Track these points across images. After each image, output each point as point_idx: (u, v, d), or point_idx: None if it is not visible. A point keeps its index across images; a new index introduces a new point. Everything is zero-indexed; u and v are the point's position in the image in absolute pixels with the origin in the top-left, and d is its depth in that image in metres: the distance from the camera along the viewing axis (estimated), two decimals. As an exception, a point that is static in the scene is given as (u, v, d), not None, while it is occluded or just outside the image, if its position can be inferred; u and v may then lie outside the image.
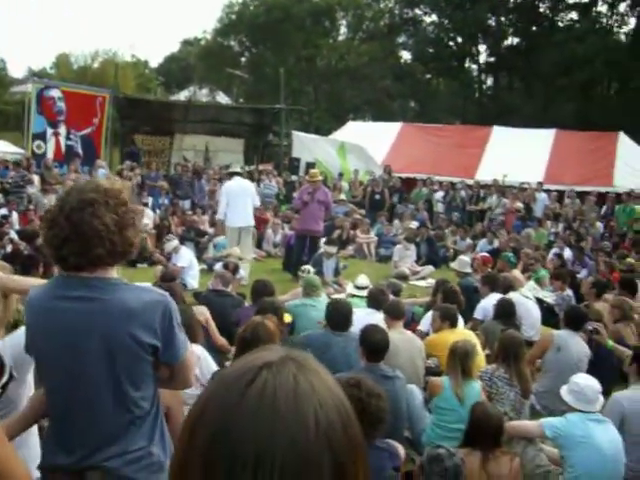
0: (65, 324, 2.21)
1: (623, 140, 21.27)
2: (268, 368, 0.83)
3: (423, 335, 6.76)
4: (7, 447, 1.19)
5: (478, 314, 7.64)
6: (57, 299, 2.23)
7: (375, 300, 6.79)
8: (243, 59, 45.38)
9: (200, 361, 4.89)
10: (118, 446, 2.26)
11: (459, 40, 40.55)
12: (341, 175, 20.07)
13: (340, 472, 0.79)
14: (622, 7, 35.93)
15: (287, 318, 6.11)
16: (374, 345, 4.77)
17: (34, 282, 2.69)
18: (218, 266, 9.94)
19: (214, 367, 5.00)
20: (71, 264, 2.21)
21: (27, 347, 2.38)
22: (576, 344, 6.19)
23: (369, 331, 4.88)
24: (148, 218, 14.43)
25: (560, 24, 37.59)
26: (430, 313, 6.92)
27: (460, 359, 4.89)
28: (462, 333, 6.13)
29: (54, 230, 2.19)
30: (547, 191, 18.50)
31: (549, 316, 8.51)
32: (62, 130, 19.75)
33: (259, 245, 14.55)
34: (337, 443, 0.80)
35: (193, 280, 10.79)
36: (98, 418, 2.25)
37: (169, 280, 6.92)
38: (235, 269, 9.45)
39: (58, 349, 2.22)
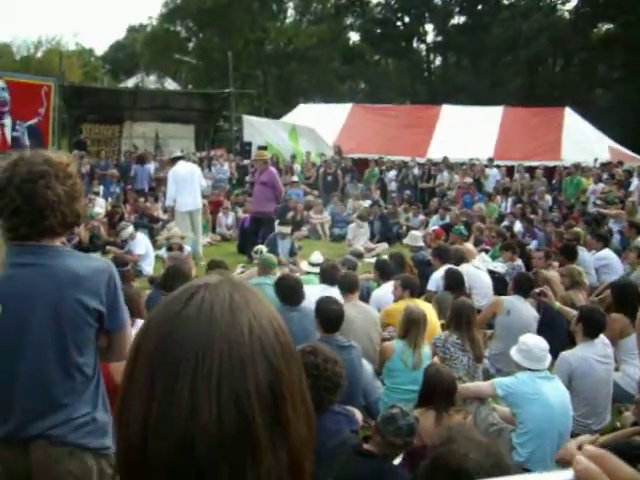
0: (11, 290, 2.23)
1: (569, 115, 21.72)
2: (206, 287, 0.90)
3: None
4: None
5: (431, 286, 7.77)
6: (6, 266, 2.25)
7: (328, 275, 6.87)
8: (190, 44, 44.82)
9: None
10: (62, 413, 2.28)
11: (406, 20, 40.73)
12: (293, 157, 20.10)
13: (275, 374, 0.85)
14: (564, -17, 36.45)
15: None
16: (329, 316, 4.85)
17: None
18: (162, 251, 9.91)
19: None
20: (20, 234, 2.23)
21: None
22: (525, 308, 6.40)
23: (324, 302, 4.96)
24: (100, 207, 14.28)
25: (505, 1, 38.01)
26: (377, 291, 7.13)
27: (410, 323, 5.01)
28: (420, 302, 6.24)
29: (4, 200, 2.20)
30: (497, 167, 18.80)
31: (501, 286, 8.68)
32: (7, 121, 19.28)
33: (213, 229, 14.52)
34: (270, 348, 0.86)
35: (149, 267, 10.74)
36: (43, 385, 2.26)
37: (121, 265, 6.88)
38: (180, 249, 9.45)
39: (9, 314, 2.22)
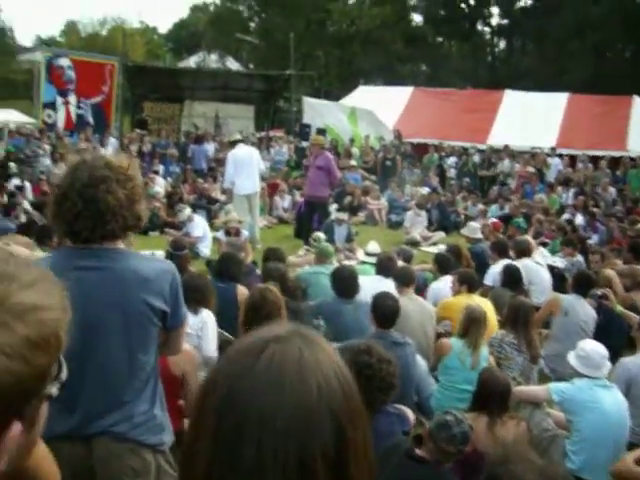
0: (79, 293, 2.24)
1: (637, 104, 21.06)
2: (276, 341, 0.90)
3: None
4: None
5: (488, 280, 7.66)
6: (69, 270, 2.24)
7: (384, 267, 6.83)
8: (252, 24, 44.97)
9: (205, 327, 4.94)
10: (125, 410, 2.33)
11: (471, 2, 40.02)
12: (352, 141, 19.98)
13: (341, 435, 0.85)
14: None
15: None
16: (385, 312, 4.83)
17: None
18: (220, 234, 9.98)
19: (214, 337, 5.00)
20: (82, 238, 2.27)
21: None
22: (583, 308, 6.25)
23: (380, 298, 4.93)
24: (159, 186, 14.49)
25: (575, -17, 36.91)
26: (435, 284, 7.05)
27: (471, 323, 4.95)
28: (478, 299, 6.15)
29: (66, 205, 2.23)
30: (560, 156, 18.40)
31: (559, 282, 8.52)
32: (72, 99, 19.70)
33: (270, 212, 14.59)
34: (338, 409, 0.86)
35: (206, 249, 10.85)
36: (109, 383, 2.32)
37: (179, 249, 6.98)
38: (237, 233, 9.51)
39: (75, 318, 2.26)
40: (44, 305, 0.90)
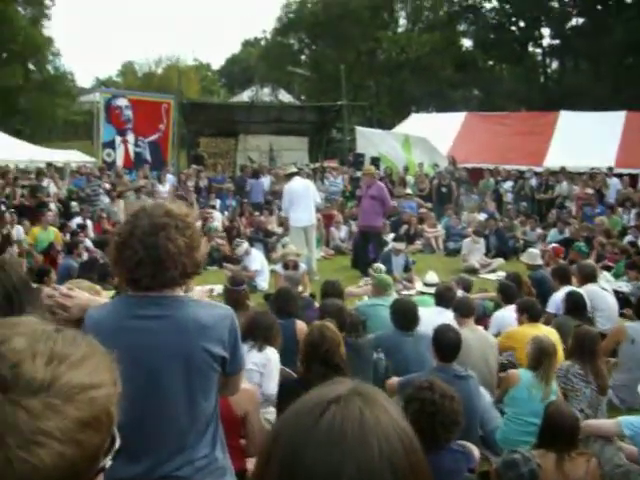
0: (141, 342, 2.27)
1: (698, 118, 20.54)
2: (337, 402, 0.91)
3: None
4: None
5: (550, 308, 7.51)
6: (129, 318, 2.29)
7: (443, 298, 6.76)
8: (303, 57, 45.56)
9: (269, 364, 4.96)
10: (187, 454, 2.34)
11: (521, 24, 39.79)
12: (406, 169, 19.96)
13: None
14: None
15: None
16: (446, 345, 4.77)
17: None
18: (278, 267, 10.03)
19: (276, 375, 5.00)
20: (143, 285, 2.29)
21: None
22: (651, 336, 6.06)
23: (441, 331, 4.87)
24: (217, 221, 14.71)
25: (628, 0, 36.33)
26: (499, 312, 6.93)
27: (541, 354, 4.84)
28: (545, 329, 6.01)
29: (127, 252, 2.26)
30: (619, 175, 18.00)
31: (625, 307, 8.29)
32: (130, 137, 20.26)
33: (327, 243, 14.63)
34: (400, 468, 0.87)
35: (264, 282, 10.93)
36: (171, 429, 2.32)
37: (237, 285, 7.03)
38: (295, 266, 9.56)
39: (134, 367, 2.17)
40: (94, 383, 0.90)
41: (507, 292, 7.20)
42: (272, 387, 4.85)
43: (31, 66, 36.89)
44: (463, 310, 6.09)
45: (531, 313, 6.12)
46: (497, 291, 7.50)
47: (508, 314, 6.66)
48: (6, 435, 0.80)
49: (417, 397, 3.50)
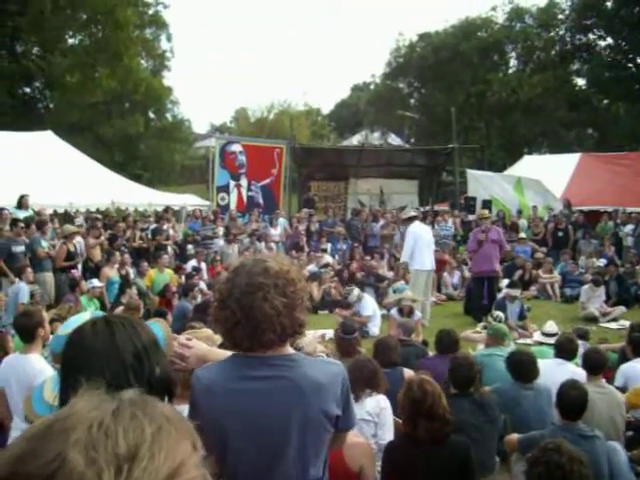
0: (253, 404, 2.22)
1: None
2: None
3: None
4: None
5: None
6: (241, 379, 2.23)
7: (564, 350, 6.48)
8: (412, 100, 45.70)
9: (383, 413, 4.88)
10: None
11: (638, 61, 38.50)
12: (520, 212, 19.53)
13: None
14: None
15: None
16: (571, 403, 4.56)
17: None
18: (393, 311, 9.96)
19: (391, 424, 4.92)
20: (243, 346, 2.24)
21: (202, 428, 2.38)
22: None
23: (565, 388, 4.66)
24: (328, 264, 14.83)
25: None
26: (628, 365, 6.54)
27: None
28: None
29: (225, 312, 2.22)
30: None
31: None
32: (244, 182, 20.83)
33: (438, 288, 14.45)
34: None
35: (375, 328, 10.89)
36: None
37: (349, 333, 7.02)
38: (410, 312, 9.47)
39: (248, 429, 2.22)
40: (175, 468, 0.81)
41: (638, 343, 6.78)
42: (388, 437, 4.76)
43: (151, 114, 38.64)
44: (593, 366, 5.76)
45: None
46: (627, 342, 7.06)
47: (639, 367, 6.30)
48: None
49: (544, 460, 3.34)
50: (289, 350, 2.35)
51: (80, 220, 15.46)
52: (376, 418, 4.86)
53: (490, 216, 12.53)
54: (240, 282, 2.23)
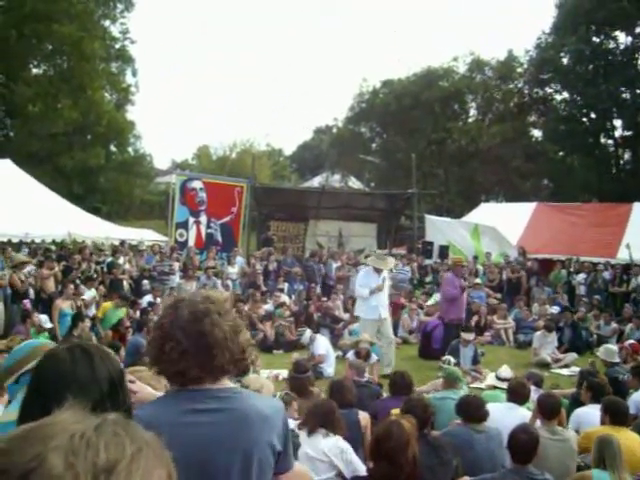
0: (201, 438, 2.13)
1: None
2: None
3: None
4: None
5: (631, 409, 7.16)
6: (186, 413, 2.13)
7: (516, 394, 6.53)
8: (374, 145, 46.27)
9: (345, 452, 4.92)
10: None
11: (592, 116, 39.66)
12: (475, 258, 19.78)
13: None
14: None
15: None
16: (522, 447, 4.59)
17: None
18: (350, 354, 9.94)
19: (360, 467, 4.92)
20: (189, 377, 2.17)
21: None
22: None
23: (516, 432, 4.69)
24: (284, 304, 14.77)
25: None
26: (582, 410, 6.62)
27: (602, 451, 4.59)
28: (629, 434, 5.66)
29: (169, 344, 2.14)
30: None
31: None
32: (203, 219, 20.76)
33: (394, 331, 14.47)
34: None
35: (330, 368, 10.85)
36: None
37: (302, 372, 7.02)
38: (367, 355, 9.46)
39: (192, 464, 2.07)
40: None
41: (597, 390, 6.82)
42: (361, 469, 4.83)
43: (113, 147, 38.44)
44: (547, 411, 5.79)
45: (614, 413, 5.78)
46: (586, 388, 7.10)
47: (592, 412, 6.35)
48: None
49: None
50: (230, 384, 2.30)
51: (25, 251, 15.28)
52: (335, 459, 4.85)
53: (467, 264, 12.74)
54: (182, 313, 2.17)
